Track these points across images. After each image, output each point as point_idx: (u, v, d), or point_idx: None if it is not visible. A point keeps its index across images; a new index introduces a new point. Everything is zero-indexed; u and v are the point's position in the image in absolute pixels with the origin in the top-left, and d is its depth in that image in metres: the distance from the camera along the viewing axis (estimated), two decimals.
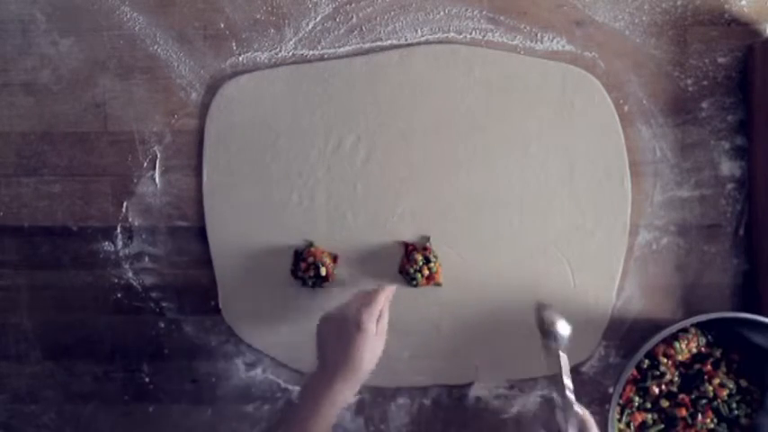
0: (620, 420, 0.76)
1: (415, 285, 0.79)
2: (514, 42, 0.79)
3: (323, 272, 0.78)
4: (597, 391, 0.81)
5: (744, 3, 0.78)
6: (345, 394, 0.67)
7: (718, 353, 0.77)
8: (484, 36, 0.80)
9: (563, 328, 0.73)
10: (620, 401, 0.76)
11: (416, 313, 0.81)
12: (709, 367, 0.77)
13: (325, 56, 0.80)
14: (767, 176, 0.76)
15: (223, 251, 0.81)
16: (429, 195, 0.80)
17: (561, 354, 0.72)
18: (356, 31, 0.80)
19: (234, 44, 0.80)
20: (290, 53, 0.80)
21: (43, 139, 0.82)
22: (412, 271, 0.78)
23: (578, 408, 0.69)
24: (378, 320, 0.69)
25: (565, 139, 0.79)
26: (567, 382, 0.70)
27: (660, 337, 0.72)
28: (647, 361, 0.76)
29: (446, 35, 0.80)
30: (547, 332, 0.74)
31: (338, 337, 0.68)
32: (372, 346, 0.68)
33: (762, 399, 0.76)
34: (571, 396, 0.69)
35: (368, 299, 0.70)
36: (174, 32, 0.81)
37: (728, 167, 0.80)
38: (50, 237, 0.83)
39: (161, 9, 0.80)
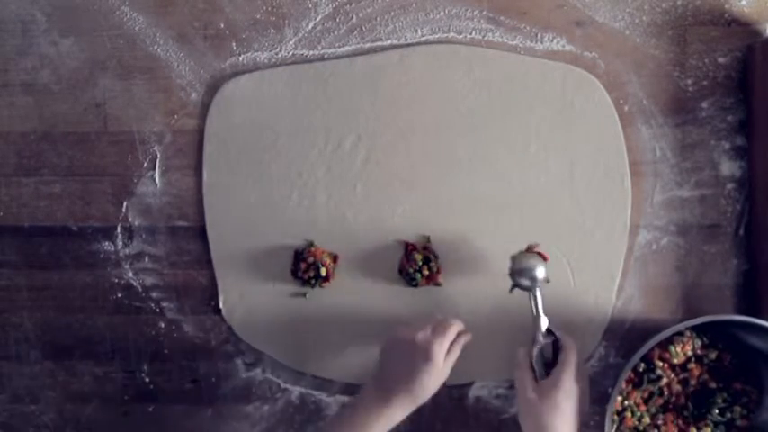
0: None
1: (415, 285, 0.79)
2: (514, 42, 0.79)
3: (323, 272, 0.78)
4: (597, 392, 0.81)
5: (744, 3, 0.78)
6: (398, 416, 0.69)
7: (713, 355, 0.77)
8: (484, 36, 0.80)
9: (540, 272, 0.74)
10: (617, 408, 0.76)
11: (416, 313, 0.81)
12: (705, 369, 0.77)
13: (325, 56, 0.80)
14: (767, 176, 0.76)
15: (223, 251, 0.81)
16: (429, 195, 0.80)
17: (538, 293, 0.74)
18: (356, 31, 0.80)
19: (234, 44, 0.80)
20: (290, 53, 0.80)
21: (43, 139, 0.82)
22: (412, 271, 0.78)
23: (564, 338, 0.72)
24: (447, 353, 0.70)
25: (565, 139, 0.79)
26: (544, 320, 0.73)
27: (655, 341, 0.72)
28: (642, 364, 0.76)
29: (446, 35, 0.80)
30: (521, 271, 0.74)
31: (405, 362, 0.69)
32: (437, 378, 0.69)
33: (759, 399, 0.76)
34: (546, 335, 0.73)
35: (441, 329, 0.70)
36: (173, 32, 0.81)
37: (728, 167, 0.80)
38: (50, 237, 0.83)
39: (161, 9, 0.80)
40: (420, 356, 0.68)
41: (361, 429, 0.68)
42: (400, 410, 0.69)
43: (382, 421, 0.68)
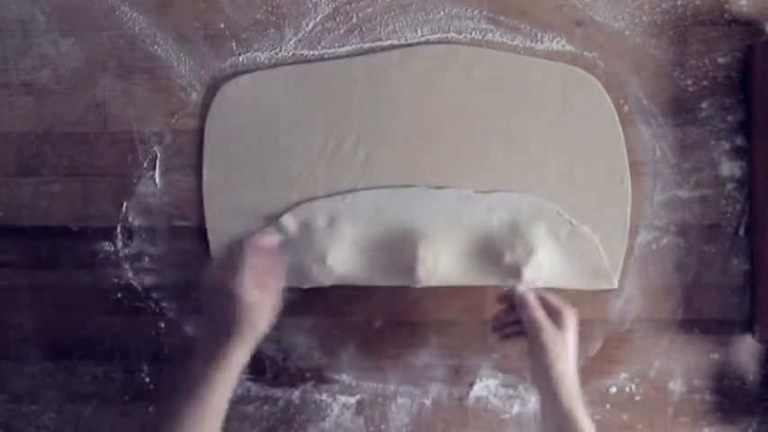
0: None
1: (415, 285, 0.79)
2: (514, 42, 0.79)
3: None
4: (597, 391, 0.81)
5: (744, 3, 0.78)
6: (241, 356, 0.66)
7: None
8: (484, 36, 0.80)
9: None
10: None
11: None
12: None
13: (325, 56, 0.80)
14: (767, 176, 0.76)
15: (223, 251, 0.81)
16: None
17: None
18: (356, 31, 0.80)
19: (234, 44, 0.80)
20: (290, 53, 0.80)
21: (43, 139, 0.82)
22: None
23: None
24: (264, 277, 0.67)
25: (565, 139, 0.79)
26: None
27: None
28: None
29: (446, 35, 0.80)
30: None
31: (222, 308, 0.66)
32: (258, 310, 0.66)
33: None
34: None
35: (232, 261, 0.66)
36: (173, 32, 0.81)
37: (728, 167, 0.80)
38: (50, 237, 0.83)
39: (161, 9, 0.80)
40: (230, 302, 0.65)
41: (213, 378, 0.64)
42: (240, 350, 0.65)
43: (229, 365, 0.65)
